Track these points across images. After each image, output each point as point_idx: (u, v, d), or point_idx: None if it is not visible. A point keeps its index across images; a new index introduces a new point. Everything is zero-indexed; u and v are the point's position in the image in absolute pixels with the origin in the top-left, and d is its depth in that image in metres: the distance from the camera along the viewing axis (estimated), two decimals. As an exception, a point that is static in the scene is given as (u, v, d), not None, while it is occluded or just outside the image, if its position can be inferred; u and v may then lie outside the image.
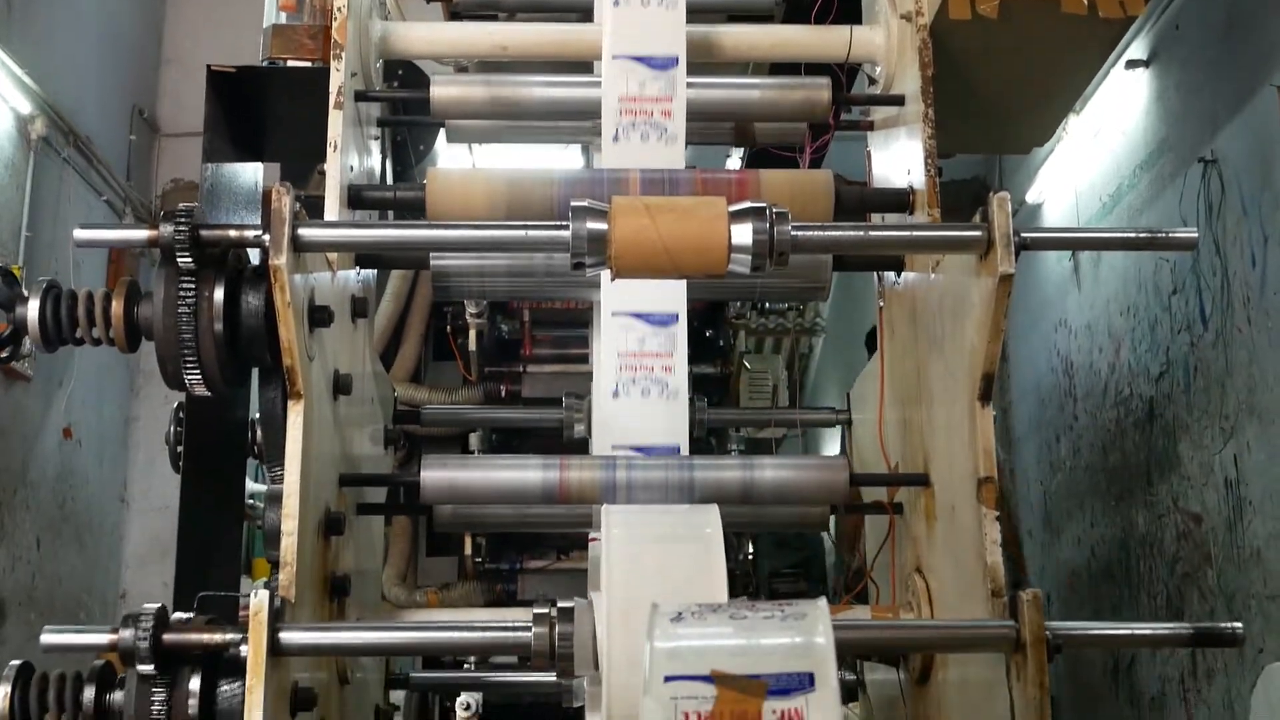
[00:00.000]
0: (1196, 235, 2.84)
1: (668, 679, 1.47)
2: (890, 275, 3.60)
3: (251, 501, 5.48)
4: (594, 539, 3.48)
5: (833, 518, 3.88)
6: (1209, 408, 6.24)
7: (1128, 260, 7.30)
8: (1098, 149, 7.61)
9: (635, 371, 3.32)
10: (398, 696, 5.65)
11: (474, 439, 6.62)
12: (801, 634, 1.55)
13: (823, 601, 1.65)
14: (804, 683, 1.45)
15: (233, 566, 3.29)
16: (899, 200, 3.41)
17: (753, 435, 6.81)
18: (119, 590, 9.45)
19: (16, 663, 2.55)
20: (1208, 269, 6.23)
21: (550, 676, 3.71)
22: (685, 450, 3.30)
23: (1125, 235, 3.03)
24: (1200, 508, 6.33)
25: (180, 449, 3.41)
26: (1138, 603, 7.15)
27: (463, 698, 6.52)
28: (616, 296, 3.29)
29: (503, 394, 6.69)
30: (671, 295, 3.31)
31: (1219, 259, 6.10)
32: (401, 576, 6.69)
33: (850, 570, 6.47)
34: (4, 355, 2.74)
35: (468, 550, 6.69)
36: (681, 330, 3.30)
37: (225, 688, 2.53)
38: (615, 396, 3.30)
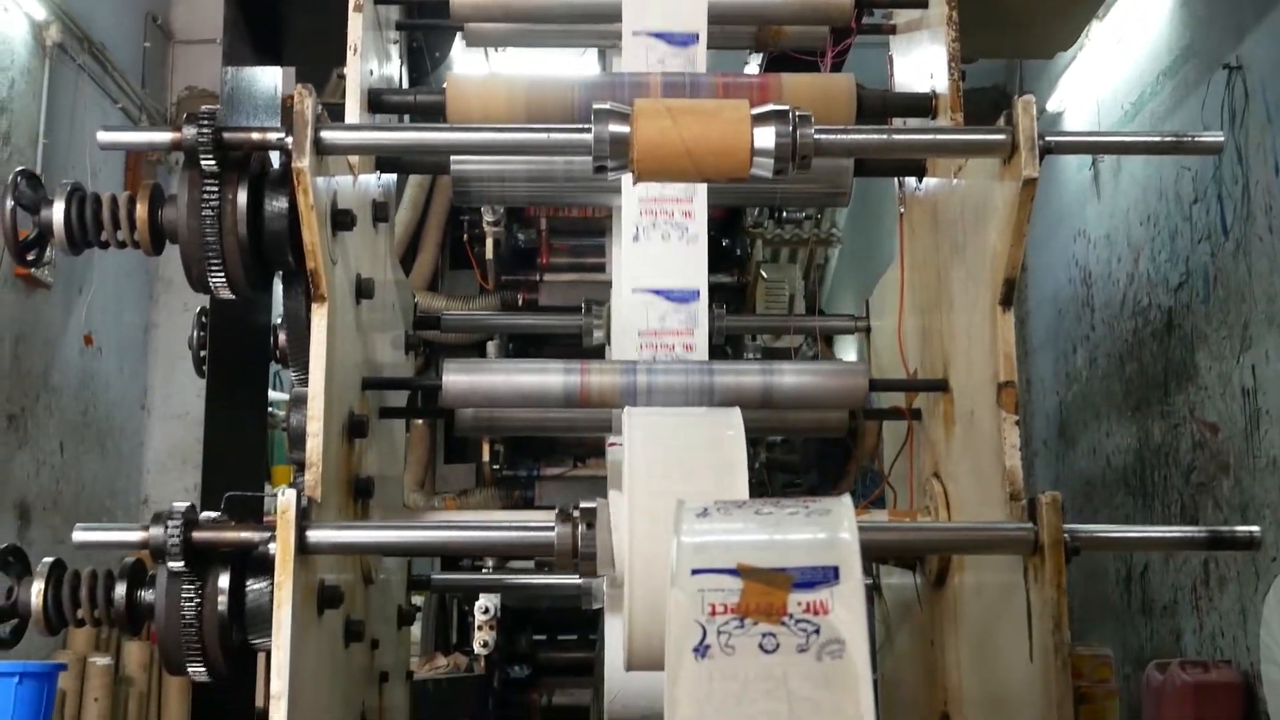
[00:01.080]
0: (1222, 140, 2.82)
1: (694, 572, 1.50)
2: (911, 181, 3.58)
3: (271, 410, 5.52)
4: (613, 444, 3.51)
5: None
6: (1228, 317, 6.23)
7: (1148, 169, 7.25)
8: (1120, 56, 7.53)
9: (656, 216, 3.32)
10: (419, 599, 5.73)
11: (492, 347, 6.65)
12: (826, 529, 1.57)
13: (847, 498, 1.67)
14: (829, 576, 1.48)
15: (257, 469, 3.32)
16: (921, 104, 3.38)
17: (770, 344, 6.80)
18: (141, 495, 9.55)
19: (49, 560, 2.59)
20: (1229, 177, 6.18)
21: (568, 579, 3.77)
22: (704, 292, 3.31)
23: (1150, 140, 3.01)
24: (1217, 417, 6.34)
25: (204, 354, 3.43)
26: (1152, 512, 7.19)
27: (481, 601, 6.62)
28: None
29: (519, 303, 6.70)
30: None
31: (1241, 167, 6.06)
32: (420, 483, 6.76)
33: (850, 472, 6.49)
34: (30, 259, 2.74)
35: (486, 457, 6.74)
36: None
37: (253, 585, 2.57)
38: (636, 240, 3.29)
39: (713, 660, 1.43)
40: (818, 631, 1.43)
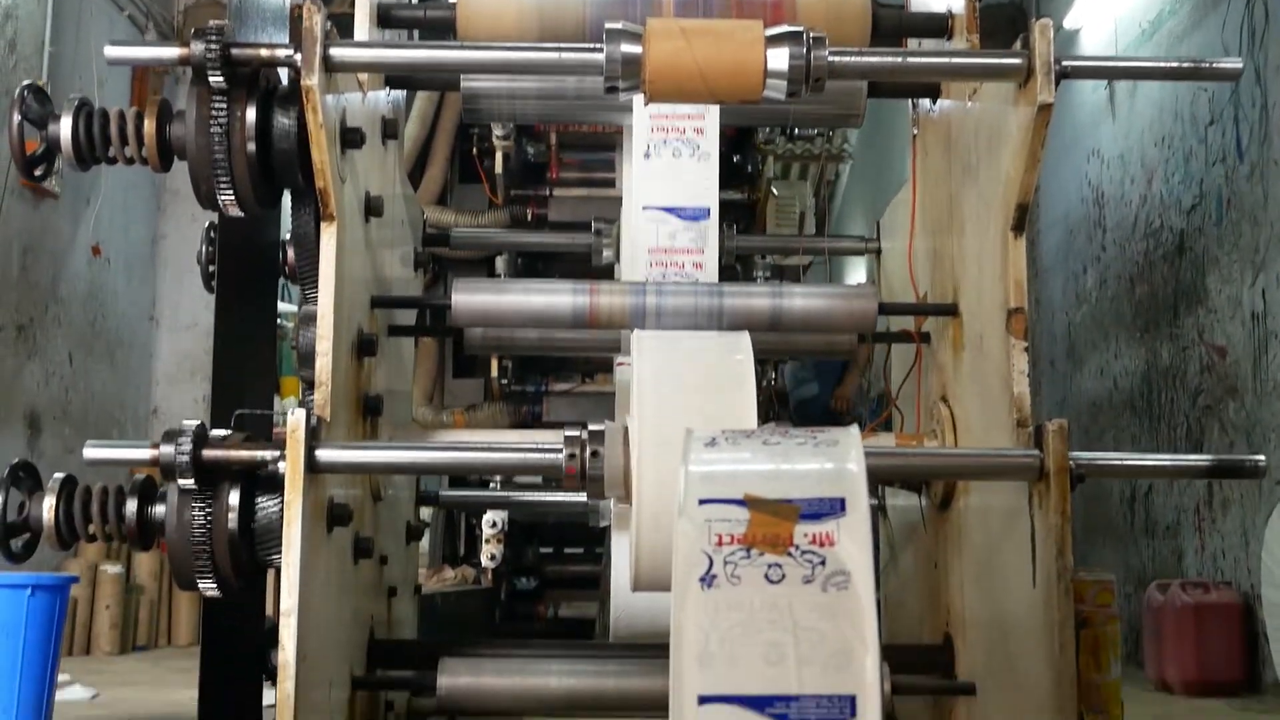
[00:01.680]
0: (1240, 66, 2.78)
1: (701, 502, 1.50)
2: (925, 102, 3.55)
3: (280, 321, 5.53)
4: (621, 364, 3.51)
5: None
6: (1239, 241, 6.20)
7: (1164, 90, 7.18)
8: (1139, -27, 7.43)
9: (667, 133, 3.30)
10: (426, 514, 5.78)
11: (500, 263, 6.63)
12: (833, 460, 1.58)
13: (854, 429, 1.67)
14: (835, 508, 1.48)
15: (266, 385, 3.33)
16: (937, 24, 3.33)
17: (779, 263, 6.79)
18: (150, 406, 9.61)
19: (60, 475, 2.61)
20: (1247, 100, 6.12)
21: (575, 497, 3.79)
22: (715, 210, 3.30)
23: (1167, 65, 2.97)
24: (1225, 341, 6.33)
25: (212, 269, 3.43)
26: (1158, 434, 7.21)
27: (488, 516, 6.67)
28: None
29: (529, 218, 6.68)
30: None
31: (1259, 89, 5.99)
32: (428, 397, 6.78)
33: (847, 383, 6.48)
34: (38, 174, 2.73)
35: (494, 373, 6.76)
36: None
37: (263, 502, 2.59)
38: (647, 157, 3.27)
39: (719, 590, 1.44)
40: (823, 563, 1.44)
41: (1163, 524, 7.12)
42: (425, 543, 5.78)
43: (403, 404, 3.79)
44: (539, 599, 7.14)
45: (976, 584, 3.07)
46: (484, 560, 6.63)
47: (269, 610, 3.39)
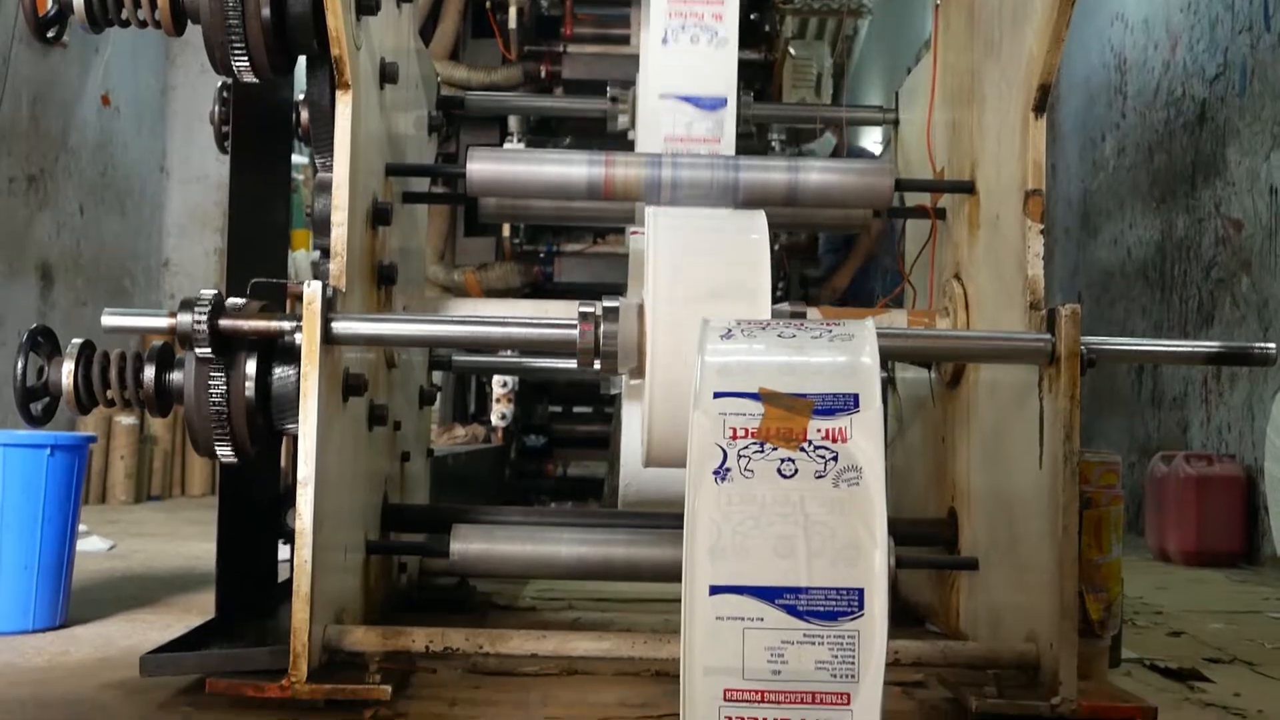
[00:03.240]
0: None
1: (716, 395, 1.52)
2: (949, -30, 3.49)
3: (292, 174, 5.50)
4: (634, 232, 3.51)
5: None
6: (1261, 113, 6.12)
7: (1194, -47, 7.02)
8: None
9: (685, 19, 3.26)
10: (438, 377, 5.82)
11: (513, 121, 6.57)
12: (848, 353, 1.59)
13: (870, 322, 1.68)
14: (849, 403, 1.50)
15: (281, 249, 3.32)
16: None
17: (795, 127, 6.72)
18: (162, 258, 9.61)
19: (78, 341, 2.63)
20: (1277, -33, 5.99)
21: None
22: (733, 100, 3.28)
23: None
24: (1242, 214, 6.29)
25: (225, 129, 3.40)
26: (1169, 306, 7.20)
27: (499, 376, 6.72)
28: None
29: (542, 74, 6.60)
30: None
31: (1290, -43, 5.86)
32: (439, 255, 6.78)
33: (855, 254, 6.42)
34: (50, 36, 2.70)
35: (506, 232, 6.75)
36: None
37: (279, 371, 2.61)
38: (664, 43, 3.24)
39: (732, 484, 1.46)
40: (836, 459, 1.46)
41: (1170, 395, 7.15)
42: (436, 401, 5.82)
43: (416, 270, 3.79)
44: (548, 458, 7.23)
45: (983, 461, 3.10)
46: (494, 419, 6.70)
47: (284, 463, 3.45)
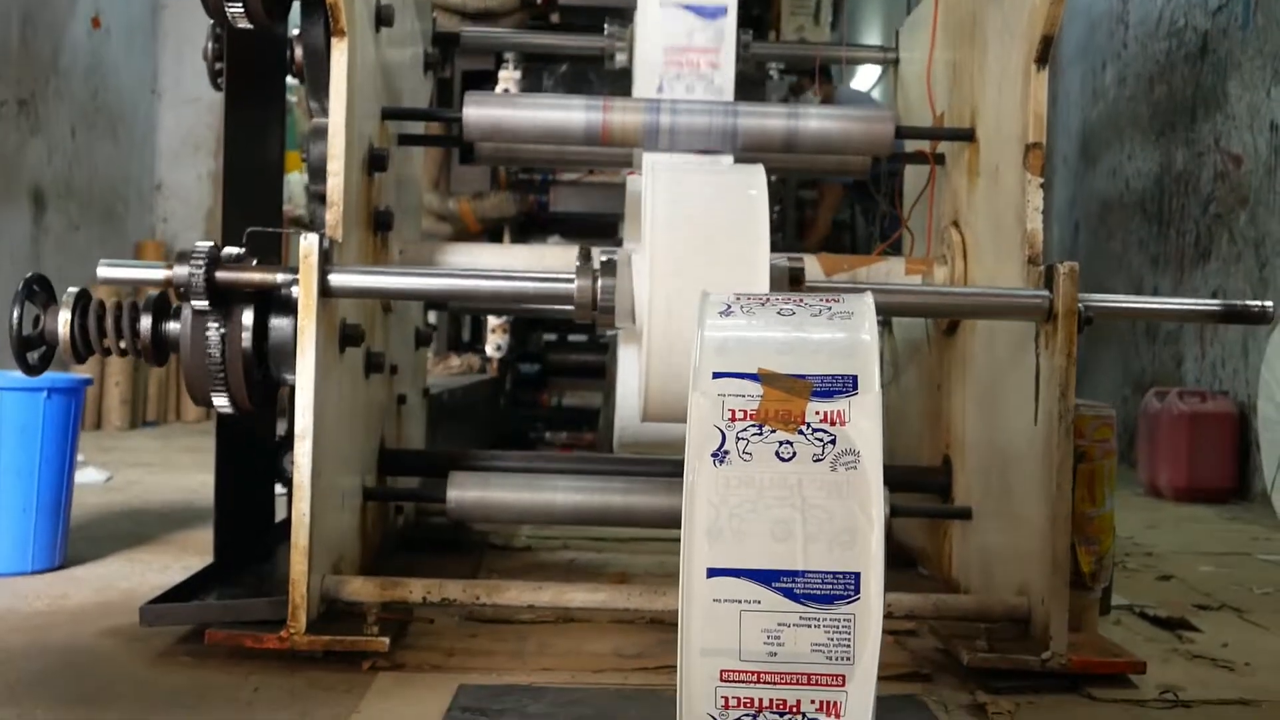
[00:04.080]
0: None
1: (716, 375, 1.52)
2: (953, -91, 3.43)
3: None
4: (631, 174, 3.48)
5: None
6: (1264, 47, 6.06)
7: (1200, -120, 6.92)
8: None
9: None
10: (434, 315, 5.81)
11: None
12: (848, 330, 1.59)
13: (868, 297, 1.68)
14: (848, 385, 1.50)
15: (276, 194, 3.30)
16: None
17: (794, 54, 6.64)
18: (154, 181, 9.54)
19: (74, 290, 2.62)
20: (1284, -103, 5.91)
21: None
22: (733, 9, 3.26)
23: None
24: (1242, 149, 6.26)
25: (219, 66, 3.37)
26: (1166, 239, 7.19)
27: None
28: None
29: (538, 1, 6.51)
30: None
31: (1298, -115, 5.78)
32: (434, 183, 6.73)
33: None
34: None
35: (501, 161, 6.69)
36: None
37: (276, 322, 2.60)
38: None
39: (730, 467, 1.47)
40: (834, 442, 1.47)
41: (1165, 329, 7.15)
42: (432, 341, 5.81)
43: (411, 199, 3.77)
44: (543, 388, 7.23)
45: (978, 412, 3.11)
46: (489, 350, 6.70)
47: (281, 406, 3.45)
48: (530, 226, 7.03)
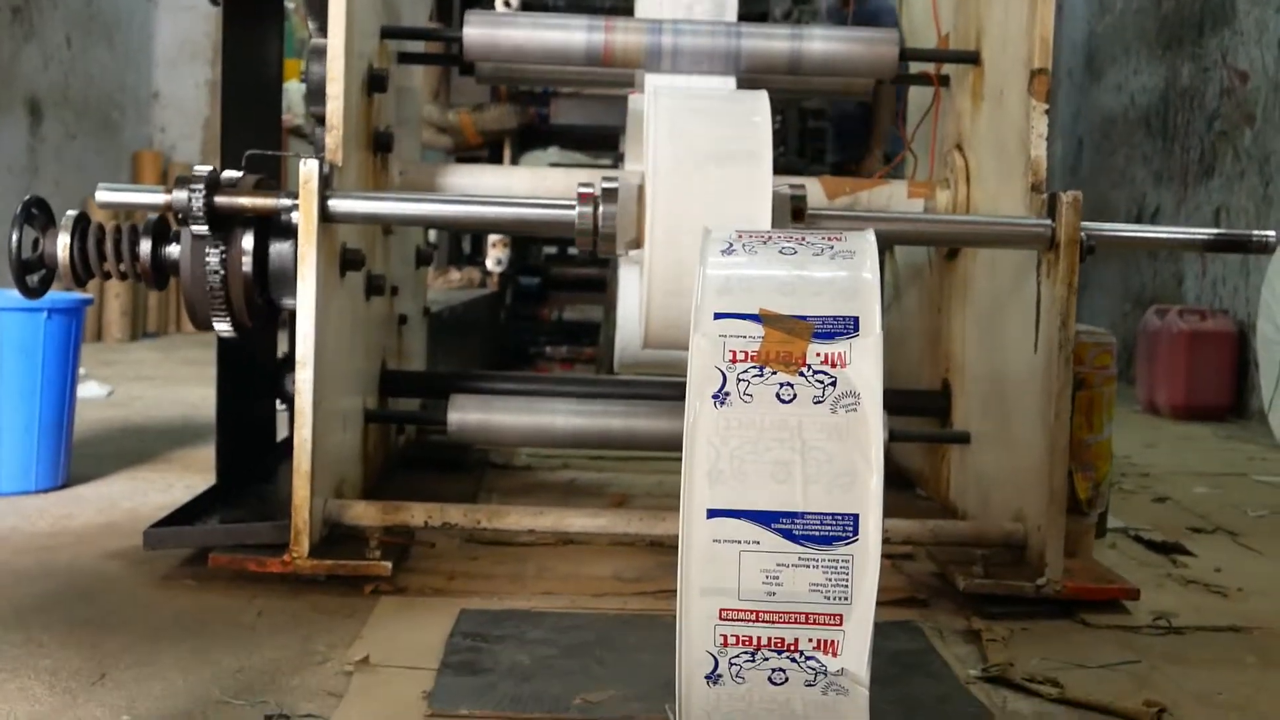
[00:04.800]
0: None
1: (717, 316, 1.52)
2: None
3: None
4: (632, 93, 3.45)
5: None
6: (1275, -39, 5.99)
7: None
8: None
9: None
10: (434, 233, 5.78)
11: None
12: (849, 269, 1.58)
13: (870, 234, 1.67)
14: (849, 327, 1.50)
15: (275, 114, 3.27)
16: None
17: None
18: (151, 90, 9.46)
19: (73, 213, 2.60)
20: None
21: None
22: None
23: None
24: (1249, 66, 6.20)
25: (216, -16, 3.33)
26: (1170, 155, 7.14)
27: (495, 219, 6.67)
28: None
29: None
30: None
31: None
32: (434, 94, 6.67)
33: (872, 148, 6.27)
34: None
35: (502, 72, 6.62)
36: None
37: (277, 246, 2.59)
38: None
39: (731, 408, 1.47)
40: (834, 384, 1.47)
41: (1162, 254, 7.14)
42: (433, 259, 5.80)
43: (410, 110, 3.73)
44: (543, 302, 7.23)
45: (978, 336, 3.11)
46: (490, 264, 6.69)
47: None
48: (531, 138, 6.99)
